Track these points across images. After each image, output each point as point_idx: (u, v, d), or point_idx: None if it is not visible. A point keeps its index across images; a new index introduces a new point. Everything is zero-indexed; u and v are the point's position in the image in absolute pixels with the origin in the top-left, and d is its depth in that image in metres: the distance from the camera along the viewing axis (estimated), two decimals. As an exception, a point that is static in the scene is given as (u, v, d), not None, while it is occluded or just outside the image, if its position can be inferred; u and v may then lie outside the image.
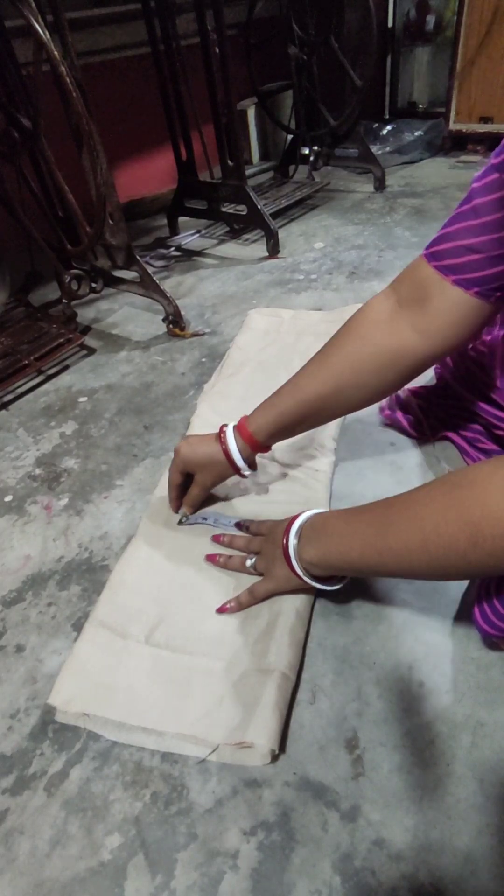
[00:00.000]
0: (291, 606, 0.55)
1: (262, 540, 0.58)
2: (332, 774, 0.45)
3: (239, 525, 0.64)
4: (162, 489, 0.71)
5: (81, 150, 0.94)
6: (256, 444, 0.61)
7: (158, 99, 1.36)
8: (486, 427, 0.69)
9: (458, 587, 0.57)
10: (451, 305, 0.48)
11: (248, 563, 0.57)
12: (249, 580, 0.58)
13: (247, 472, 0.62)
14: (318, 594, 0.57)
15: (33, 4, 0.75)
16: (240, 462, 0.61)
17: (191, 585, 0.59)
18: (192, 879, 0.40)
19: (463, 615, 0.54)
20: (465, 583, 0.57)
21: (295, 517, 0.52)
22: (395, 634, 0.53)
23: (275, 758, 0.45)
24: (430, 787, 0.43)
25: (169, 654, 0.53)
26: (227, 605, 0.56)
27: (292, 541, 0.50)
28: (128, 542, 0.65)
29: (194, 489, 0.64)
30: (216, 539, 0.63)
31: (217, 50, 1.20)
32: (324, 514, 0.51)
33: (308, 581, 0.51)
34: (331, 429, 0.77)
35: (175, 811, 0.44)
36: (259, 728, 0.45)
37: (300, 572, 0.50)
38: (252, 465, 0.63)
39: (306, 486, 0.69)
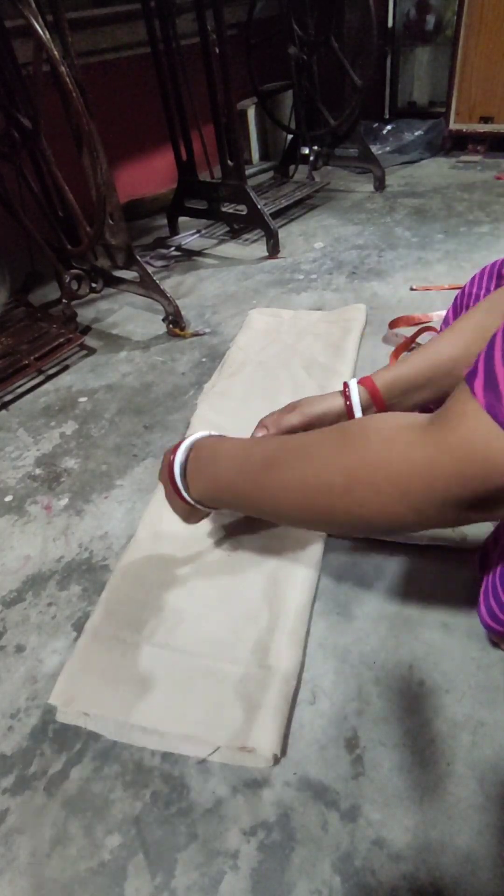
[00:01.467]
0: (291, 606, 0.55)
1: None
2: (332, 774, 0.45)
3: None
4: (162, 489, 0.71)
5: (81, 150, 0.94)
6: (380, 399, 0.58)
7: (158, 99, 1.36)
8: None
9: (460, 586, 0.57)
10: None
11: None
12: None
13: None
14: (319, 594, 0.57)
15: (33, 4, 0.75)
16: (360, 415, 0.58)
17: (191, 585, 0.59)
18: (192, 879, 0.40)
19: (463, 615, 0.54)
20: (467, 582, 0.57)
21: (178, 444, 0.50)
22: (395, 634, 0.53)
23: (276, 760, 0.45)
24: (430, 786, 0.43)
25: (169, 654, 0.53)
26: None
27: (182, 450, 0.49)
28: (128, 542, 0.65)
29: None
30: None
31: (217, 50, 1.20)
32: (215, 440, 0.50)
33: (188, 498, 0.49)
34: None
35: (175, 811, 0.44)
36: (261, 732, 0.45)
37: (179, 484, 0.49)
38: None
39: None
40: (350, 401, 0.58)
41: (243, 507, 0.46)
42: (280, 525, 0.52)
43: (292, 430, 0.60)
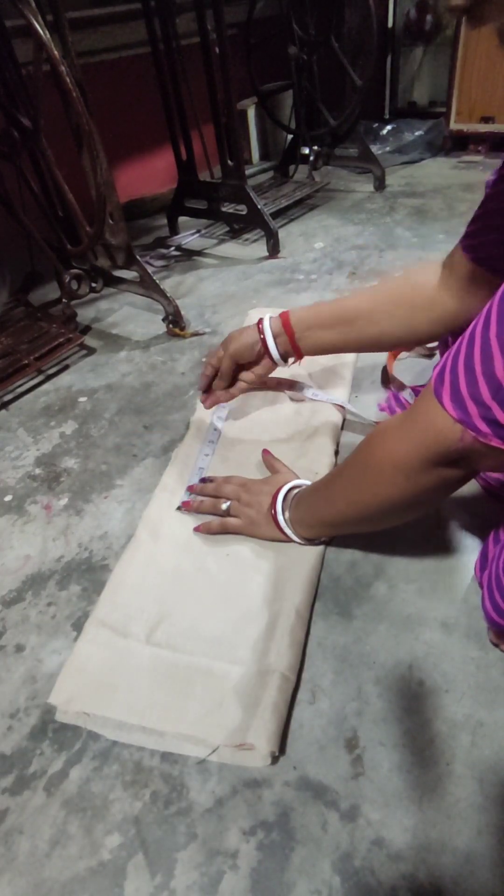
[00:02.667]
0: (291, 606, 0.55)
1: (237, 488, 0.64)
2: (331, 774, 0.45)
3: (202, 480, 0.70)
4: (163, 489, 0.72)
5: (81, 150, 0.94)
6: (290, 331, 0.68)
7: (158, 99, 1.36)
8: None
9: (460, 586, 0.57)
10: (466, 273, 0.56)
11: (224, 506, 0.64)
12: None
13: (279, 362, 0.71)
14: (319, 594, 0.57)
15: (33, 4, 0.75)
16: (273, 349, 0.69)
17: (191, 585, 0.59)
18: (191, 879, 0.40)
19: (463, 614, 0.54)
20: (467, 581, 0.57)
21: (279, 488, 0.60)
22: (394, 634, 0.53)
23: (274, 758, 0.45)
24: (430, 786, 0.43)
25: (169, 654, 0.53)
26: (200, 527, 0.64)
27: (279, 506, 0.59)
28: (128, 542, 0.65)
29: (241, 379, 0.74)
30: (189, 488, 0.70)
31: (217, 50, 1.20)
32: (302, 489, 0.60)
33: (294, 537, 0.59)
34: (329, 431, 0.77)
35: (175, 811, 0.44)
36: (259, 730, 0.45)
37: (290, 533, 0.59)
38: (285, 359, 0.71)
39: (306, 486, 0.69)
40: (263, 334, 0.69)
41: (326, 522, 0.57)
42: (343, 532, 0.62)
43: (213, 368, 0.73)
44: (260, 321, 0.69)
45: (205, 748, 0.46)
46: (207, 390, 0.76)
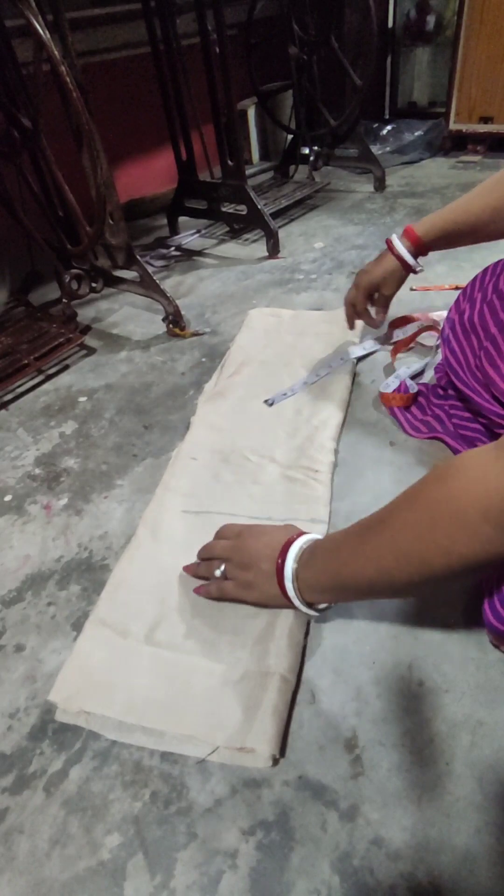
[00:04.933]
0: (291, 606, 0.55)
1: (227, 546, 0.56)
2: (331, 774, 0.45)
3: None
4: (164, 488, 0.72)
5: (81, 150, 0.94)
6: (421, 244, 0.73)
7: (158, 99, 1.36)
8: (486, 427, 0.69)
9: (459, 585, 0.57)
10: None
11: (217, 572, 0.55)
12: None
13: (418, 268, 0.77)
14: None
15: (33, 4, 0.75)
16: (410, 259, 0.75)
17: (191, 584, 0.59)
18: (191, 879, 0.40)
19: (463, 615, 0.54)
20: (467, 582, 0.57)
21: (289, 540, 0.50)
22: (394, 634, 0.53)
23: (275, 761, 0.45)
24: (429, 786, 0.43)
25: (169, 654, 0.53)
26: (201, 589, 0.56)
27: (290, 563, 0.49)
28: (128, 542, 0.65)
29: (380, 303, 0.82)
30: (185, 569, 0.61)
31: (217, 50, 1.20)
32: (317, 543, 0.50)
33: (298, 604, 0.49)
34: (331, 429, 0.77)
35: (174, 811, 0.44)
36: (260, 733, 0.45)
37: (293, 595, 0.49)
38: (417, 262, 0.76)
39: (306, 486, 0.69)
40: (395, 251, 0.75)
41: (348, 586, 0.45)
42: (385, 597, 0.52)
43: (361, 309, 0.83)
44: (389, 241, 0.76)
45: (204, 748, 0.46)
46: (353, 327, 0.90)
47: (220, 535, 0.59)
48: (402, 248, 0.75)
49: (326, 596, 0.49)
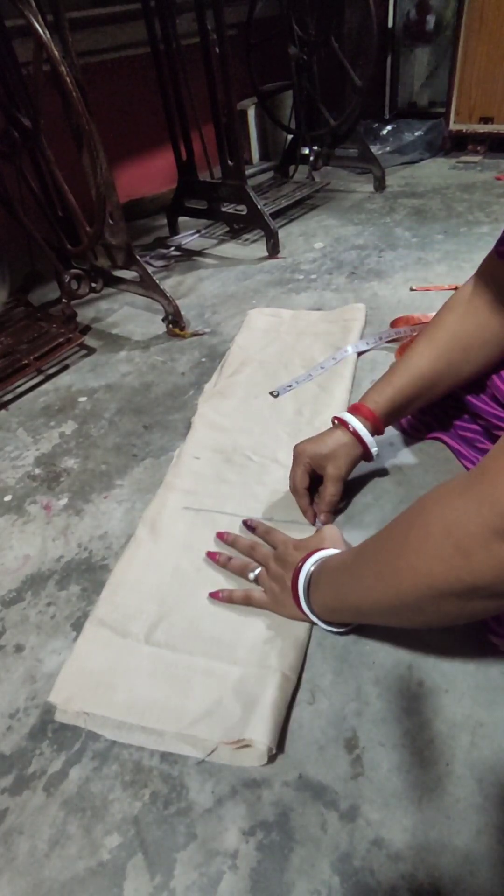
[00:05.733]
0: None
1: (269, 554, 0.57)
2: (331, 774, 0.45)
3: (246, 523, 0.64)
4: (164, 488, 0.71)
5: (81, 150, 0.94)
6: (378, 422, 0.63)
7: (158, 99, 1.36)
8: (485, 428, 0.69)
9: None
10: None
11: (251, 575, 0.56)
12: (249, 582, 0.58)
13: (375, 452, 0.64)
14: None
15: (33, 4, 0.75)
16: (370, 440, 0.63)
17: (191, 584, 0.59)
18: (191, 879, 0.40)
19: (462, 615, 0.54)
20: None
21: (304, 559, 0.51)
22: (394, 634, 0.53)
23: (273, 758, 0.45)
24: (430, 786, 0.43)
25: (169, 654, 0.53)
26: (221, 594, 0.56)
27: (301, 587, 0.50)
28: (127, 542, 0.65)
29: (329, 488, 0.62)
30: (220, 536, 0.63)
31: (217, 50, 1.20)
32: (325, 562, 0.50)
33: (319, 623, 0.51)
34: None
35: (174, 811, 0.44)
36: (257, 726, 0.45)
37: (312, 616, 0.51)
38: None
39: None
40: (354, 429, 0.62)
41: (351, 605, 0.46)
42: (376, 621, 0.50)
43: (304, 488, 0.64)
44: (344, 423, 0.63)
45: (204, 748, 0.46)
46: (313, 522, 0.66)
47: (267, 539, 0.60)
48: (357, 423, 0.62)
49: (339, 615, 0.50)
